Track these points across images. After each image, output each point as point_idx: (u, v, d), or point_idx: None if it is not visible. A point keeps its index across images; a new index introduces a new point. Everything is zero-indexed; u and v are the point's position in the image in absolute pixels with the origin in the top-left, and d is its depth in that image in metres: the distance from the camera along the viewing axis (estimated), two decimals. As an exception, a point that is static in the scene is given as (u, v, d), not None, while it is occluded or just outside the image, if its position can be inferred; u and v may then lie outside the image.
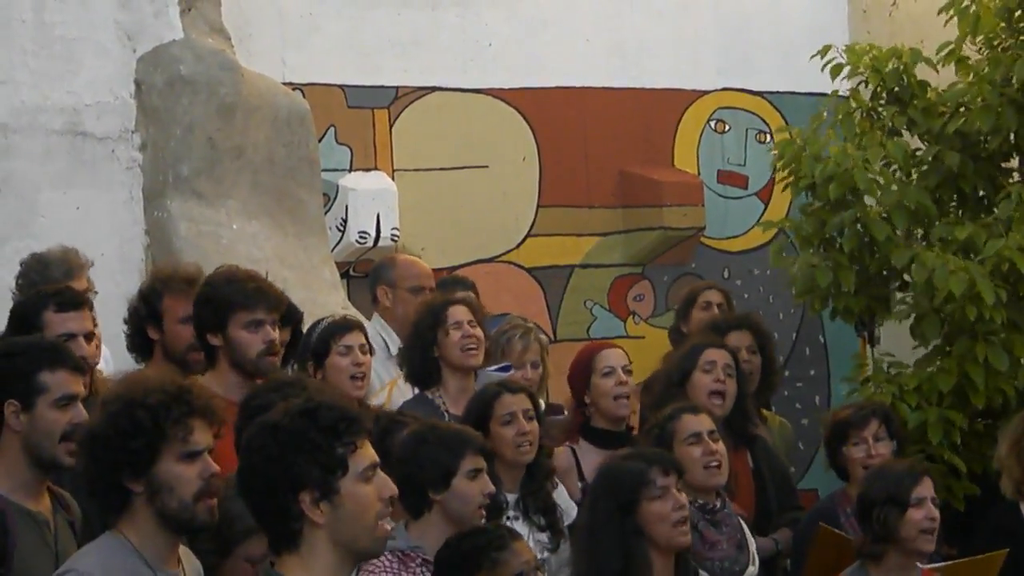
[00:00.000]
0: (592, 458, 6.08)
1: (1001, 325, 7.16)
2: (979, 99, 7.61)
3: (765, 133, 9.99)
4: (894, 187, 7.64)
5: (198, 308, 5.51)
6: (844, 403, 7.05)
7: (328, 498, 3.45)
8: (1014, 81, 7.53)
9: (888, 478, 5.68)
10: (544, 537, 5.52)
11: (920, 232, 7.65)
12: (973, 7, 7.73)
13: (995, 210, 7.47)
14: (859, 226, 7.50)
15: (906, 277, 7.47)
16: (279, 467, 3.46)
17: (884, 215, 7.53)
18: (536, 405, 5.74)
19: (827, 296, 7.59)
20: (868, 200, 7.57)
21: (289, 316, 5.96)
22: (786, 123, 9.92)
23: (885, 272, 7.62)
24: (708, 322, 7.17)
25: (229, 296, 5.42)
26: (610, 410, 6.34)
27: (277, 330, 5.50)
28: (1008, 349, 7.24)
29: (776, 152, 7.84)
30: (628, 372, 6.40)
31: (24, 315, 5.34)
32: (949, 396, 7.25)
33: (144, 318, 5.84)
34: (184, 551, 4.03)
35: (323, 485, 3.45)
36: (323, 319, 6.24)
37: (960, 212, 7.70)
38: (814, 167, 7.50)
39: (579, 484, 5.94)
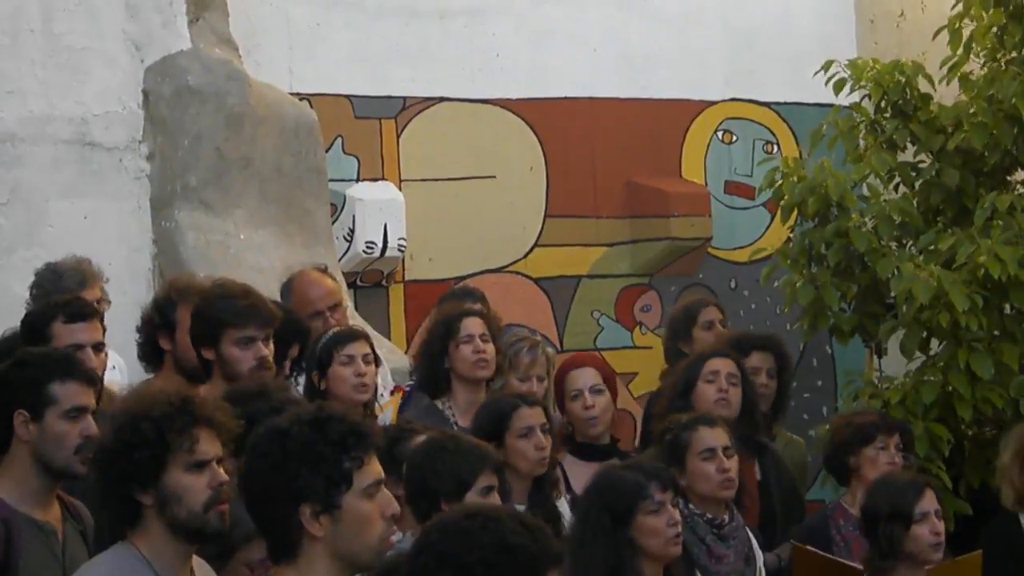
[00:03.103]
0: (578, 470, 6.10)
1: (981, 331, 7.14)
2: (975, 115, 7.62)
3: (772, 144, 10.00)
4: (883, 199, 7.66)
5: (192, 322, 5.56)
6: (851, 412, 7.00)
7: (329, 512, 3.41)
8: (1004, 97, 7.52)
9: (891, 492, 5.66)
10: (550, 547, 5.52)
11: (909, 243, 7.65)
12: (969, 27, 7.75)
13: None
14: (845, 240, 7.51)
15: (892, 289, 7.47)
16: (282, 476, 3.41)
17: (871, 228, 7.55)
18: (550, 418, 5.75)
19: (815, 315, 7.60)
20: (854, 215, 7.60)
21: (297, 332, 5.97)
22: (793, 134, 9.95)
23: (877, 287, 7.61)
24: (730, 337, 7.10)
25: (220, 314, 5.45)
26: (581, 430, 6.37)
27: (271, 345, 5.51)
28: (996, 358, 7.21)
29: (762, 183, 7.91)
30: (597, 392, 6.36)
31: (33, 326, 5.35)
32: (936, 408, 7.22)
33: (157, 327, 5.85)
34: (198, 561, 4.02)
35: (325, 499, 3.41)
36: (327, 329, 6.25)
37: (955, 223, 7.68)
38: (794, 187, 7.55)
39: (566, 496, 5.93)
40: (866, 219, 7.62)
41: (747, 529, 5.74)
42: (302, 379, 6.11)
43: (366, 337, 6.18)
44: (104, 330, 5.53)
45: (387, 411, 6.45)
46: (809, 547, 5.94)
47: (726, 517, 5.65)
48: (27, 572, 4.35)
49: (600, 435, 6.38)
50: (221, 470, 3.87)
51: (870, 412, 6.67)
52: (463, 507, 3.27)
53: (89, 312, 5.38)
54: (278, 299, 6.30)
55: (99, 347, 5.34)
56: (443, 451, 4.89)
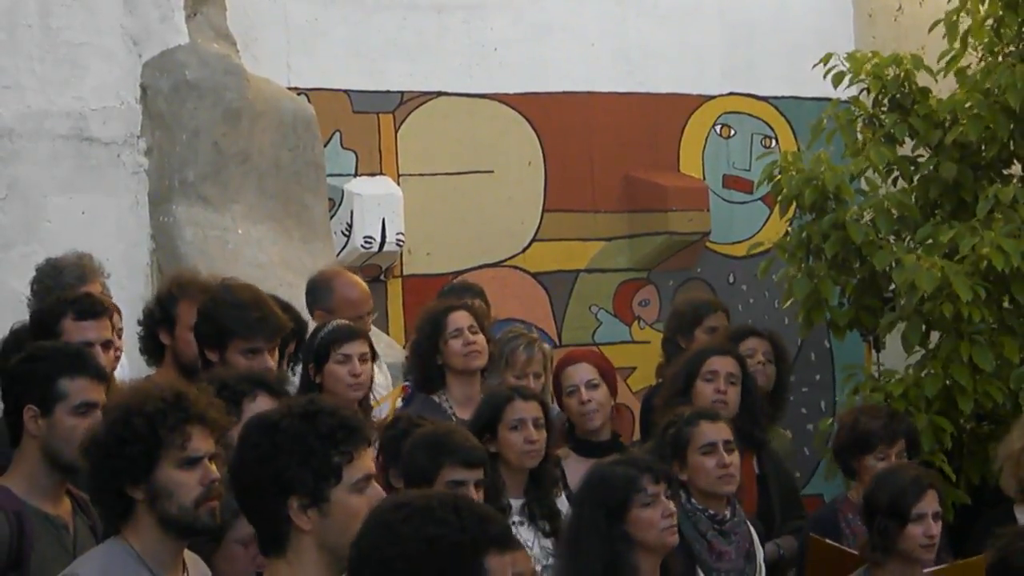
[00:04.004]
0: (578, 467, 6.03)
1: (983, 323, 7.13)
2: (971, 108, 7.61)
3: (771, 138, 10.00)
4: (881, 191, 7.67)
5: (199, 321, 5.55)
6: (862, 407, 6.96)
7: (317, 506, 3.41)
8: (999, 88, 7.52)
9: (893, 487, 5.66)
10: (549, 543, 5.53)
11: (908, 236, 7.65)
12: (965, 21, 7.74)
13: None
14: (843, 233, 7.52)
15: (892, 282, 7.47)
16: (271, 468, 3.41)
17: (869, 221, 7.55)
18: (547, 413, 5.75)
19: (810, 309, 7.60)
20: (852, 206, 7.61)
21: (295, 329, 5.97)
22: (791, 128, 9.95)
23: (875, 280, 7.61)
24: (729, 331, 7.09)
25: (230, 323, 5.43)
26: (580, 424, 6.38)
27: (276, 355, 5.51)
28: (996, 351, 7.21)
29: (761, 177, 7.91)
30: (593, 386, 6.37)
31: (43, 322, 5.35)
32: (938, 401, 7.22)
33: (157, 322, 5.84)
34: (192, 557, 4.03)
35: (314, 492, 3.41)
36: (328, 323, 6.24)
37: (953, 216, 7.68)
38: (792, 179, 7.57)
39: (563, 493, 5.93)
40: (864, 212, 7.62)
41: (748, 524, 5.75)
42: (299, 369, 6.11)
43: (364, 335, 6.16)
44: (119, 328, 5.54)
45: (384, 405, 6.46)
46: (826, 540, 5.97)
47: (728, 512, 5.65)
48: (38, 565, 4.36)
49: (598, 429, 6.38)
50: (213, 467, 3.87)
51: (876, 412, 6.56)
52: (393, 497, 3.21)
53: (99, 310, 5.38)
54: (278, 295, 6.28)
55: (108, 345, 5.34)
56: (418, 444, 4.96)
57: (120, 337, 5.76)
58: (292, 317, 5.98)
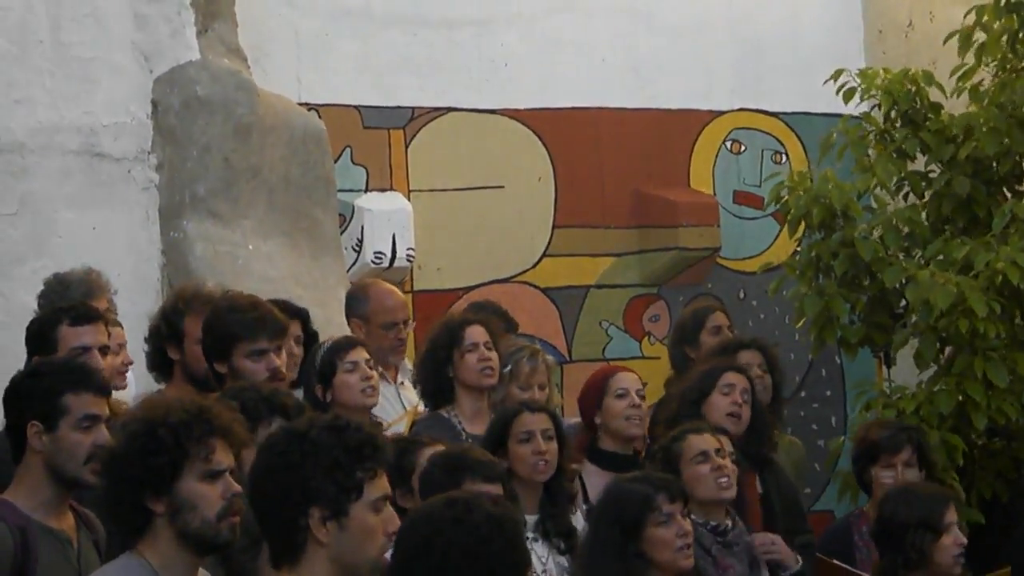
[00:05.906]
0: (598, 481, 6.02)
1: (998, 339, 7.12)
2: (987, 123, 7.60)
3: (781, 154, 9.99)
4: (889, 209, 7.66)
5: (204, 337, 5.58)
6: (876, 420, 6.94)
7: (336, 519, 3.47)
8: (1019, 103, 7.51)
9: (918, 502, 5.64)
10: (564, 560, 5.51)
11: (918, 253, 7.64)
12: (981, 36, 7.73)
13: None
14: (851, 250, 7.51)
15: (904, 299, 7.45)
16: (297, 476, 3.47)
17: (878, 238, 7.54)
18: (558, 426, 5.74)
19: (821, 327, 7.59)
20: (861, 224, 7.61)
21: (310, 340, 6.00)
22: (801, 144, 9.95)
23: (886, 297, 7.59)
24: (716, 344, 7.12)
25: (230, 327, 5.48)
26: (622, 430, 6.32)
27: (283, 355, 5.52)
28: (1010, 366, 7.19)
29: (768, 197, 7.92)
30: (641, 396, 6.39)
31: (39, 331, 5.37)
32: (951, 418, 7.20)
33: (165, 338, 5.86)
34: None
35: (335, 505, 3.47)
36: (323, 342, 6.23)
37: (965, 232, 7.67)
38: (800, 199, 7.56)
39: (583, 506, 5.92)
40: (873, 229, 7.61)
41: (743, 530, 5.73)
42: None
43: (365, 344, 6.19)
44: (109, 334, 5.54)
45: (397, 427, 6.45)
46: (834, 560, 5.94)
47: (729, 523, 5.65)
48: (43, 579, 4.36)
49: (636, 437, 6.36)
50: (233, 481, 3.86)
51: (886, 425, 6.59)
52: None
53: (94, 315, 5.40)
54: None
55: (104, 349, 5.35)
56: (436, 462, 5.03)
57: (123, 350, 5.78)
58: (305, 326, 6.00)
